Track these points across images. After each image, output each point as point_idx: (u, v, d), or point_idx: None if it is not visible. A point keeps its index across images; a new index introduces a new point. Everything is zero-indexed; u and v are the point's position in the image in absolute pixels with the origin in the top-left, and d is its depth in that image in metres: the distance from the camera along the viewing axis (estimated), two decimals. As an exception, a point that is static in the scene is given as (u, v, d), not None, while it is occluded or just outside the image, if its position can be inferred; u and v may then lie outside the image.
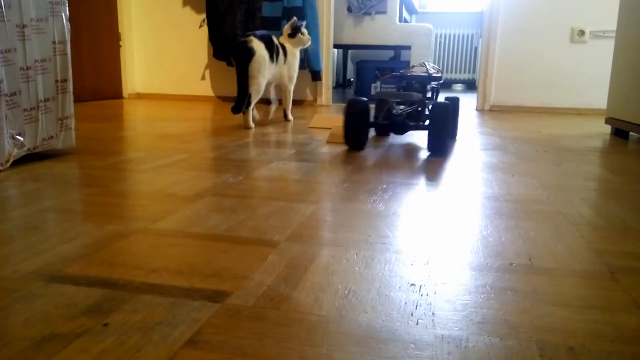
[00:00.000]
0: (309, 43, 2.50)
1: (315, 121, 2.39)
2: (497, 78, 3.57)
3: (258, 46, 2.19)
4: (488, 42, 3.54)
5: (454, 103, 1.93)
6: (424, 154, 1.66)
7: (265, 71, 2.23)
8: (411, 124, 1.73)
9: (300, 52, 2.55)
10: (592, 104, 3.46)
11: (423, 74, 1.85)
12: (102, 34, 3.65)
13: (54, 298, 0.60)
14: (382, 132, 2.02)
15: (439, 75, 1.85)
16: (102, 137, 1.90)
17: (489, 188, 1.21)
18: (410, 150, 1.73)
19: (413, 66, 1.98)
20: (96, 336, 0.51)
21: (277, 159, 1.52)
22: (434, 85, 1.95)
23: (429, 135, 1.60)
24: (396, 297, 0.62)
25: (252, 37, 2.21)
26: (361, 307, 0.59)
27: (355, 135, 1.66)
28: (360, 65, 4.26)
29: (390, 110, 1.70)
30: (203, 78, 3.91)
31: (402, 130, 1.76)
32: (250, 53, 2.17)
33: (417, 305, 0.60)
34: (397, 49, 4.19)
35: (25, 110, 1.35)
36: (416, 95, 1.69)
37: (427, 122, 1.84)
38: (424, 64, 1.90)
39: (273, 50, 2.28)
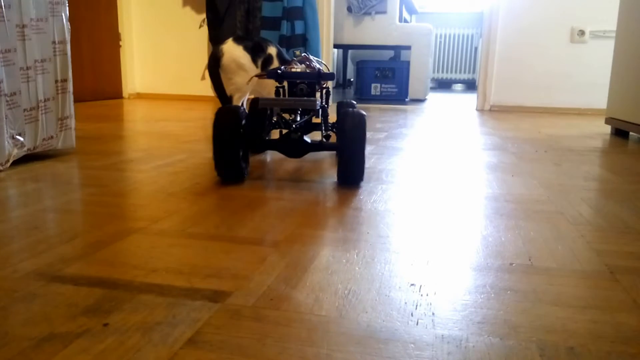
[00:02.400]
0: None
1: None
2: (497, 78, 3.57)
3: (229, 47, 2.04)
4: (488, 42, 3.54)
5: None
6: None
7: (242, 72, 2.02)
8: (311, 142, 1.22)
9: (301, 52, 2.41)
10: (592, 104, 3.46)
11: (308, 71, 1.34)
12: (102, 34, 3.65)
13: (54, 298, 0.60)
14: (258, 150, 1.43)
15: (331, 72, 1.31)
16: (102, 137, 1.90)
17: (489, 188, 1.21)
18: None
19: (292, 60, 1.47)
20: (96, 336, 0.51)
21: (277, 159, 1.52)
22: (324, 87, 1.43)
23: (341, 159, 1.14)
24: (396, 297, 0.62)
25: (228, 40, 2.05)
26: (361, 307, 0.59)
27: (229, 160, 1.16)
28: (360, 65, 4.26)
29: (277, 125, 1.29)
30: (203, 78, 3.91)
31: (299, 152, 1.21)
32: (217, 56, 2.01)
33: (417, 305, 0.60)
34: (397, 49, 4.20)
35: (25, 110, 1.35)
36: (312, 102, 1.15)
37: (332, 138, 1.34)
38: (307, 55, 1.46)
39: (257, 55, 2.06)
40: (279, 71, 1.29)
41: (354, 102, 1.59)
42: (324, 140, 1.30)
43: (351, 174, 1.16)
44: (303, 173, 1.33)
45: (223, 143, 1.15)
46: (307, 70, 1.38)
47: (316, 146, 1.22)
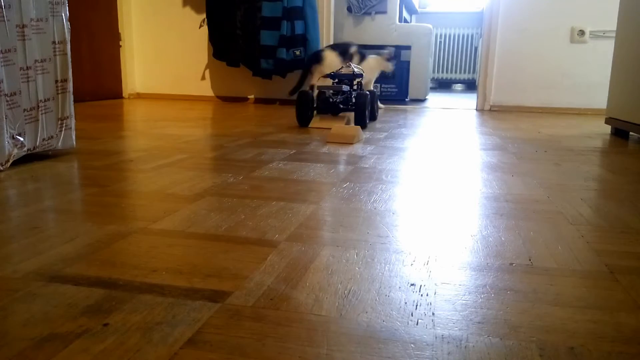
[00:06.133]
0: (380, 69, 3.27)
1: (315, 121, 2.40)
2: (497, 78, 3.57)
3: (327, 53, 3.21)
4: (488, 42, 3.54)
5: (372, 94, 2.68)
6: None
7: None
8: (342, 107, 2.41)
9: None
10: (592, 104, 3.46)
11: (349, 73, 2.49)
12: (102, 34, 3.65)
13: (54, 298, 0.60)
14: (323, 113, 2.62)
15: (361, 73, 2.55)
16: (102, 137, 1.90)
17: (489, 188, 1.21)
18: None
19: (342, 67, 2.57)
20: (96, 336, 0.51)
21: (277, 159, 1.52)
22: (359, 80, 2.59)
23: (355, 114, 2.33)
24: (396, 297, 0.62)
25: (326, 48, 3.27)
26: (361, 307, 0.59)
27: (303, 116, 2.39)
28: (360, 65, 4.25)
29: (328, 99, 2.39)
30: (203, 78, 3.91)
31: (336, 112, 2.41)
32: (319, 58, 3.21)
33: (417, 305, 0.60)
34: (397, 49, 4.19)
35: (25, 110, 1.35)
36: (341, 87, 2.38)
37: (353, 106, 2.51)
38: (350, 65, 2.53)
39: (345, 55, 3.19)
40: (332, 73, 2.49)
41: (374, 91, 2.78)
42: (350, 106, 2.42)
43: (360, 121, 2.33)
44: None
45: (301, 107, 2.36)
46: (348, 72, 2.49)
47: (344, 109, 2.40)
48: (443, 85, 6.45)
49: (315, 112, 2.42)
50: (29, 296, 0.60)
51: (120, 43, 3.84)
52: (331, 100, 2.38)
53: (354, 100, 2.41)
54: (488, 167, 1.47)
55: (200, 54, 3.87)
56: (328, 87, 2.40)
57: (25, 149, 1.36)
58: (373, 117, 2.73)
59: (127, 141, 1.83)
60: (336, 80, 2.48)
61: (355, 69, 2.50)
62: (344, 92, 2.43)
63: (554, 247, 0.81)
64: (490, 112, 3.45)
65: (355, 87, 2.55)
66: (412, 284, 0.66)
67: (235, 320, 0.55)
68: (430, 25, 4.09)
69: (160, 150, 1.63)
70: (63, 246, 0.77)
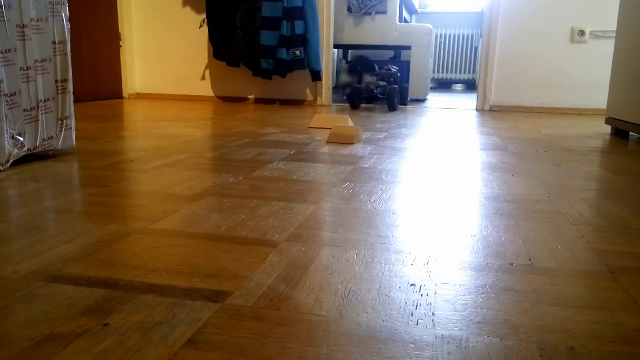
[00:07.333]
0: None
1: (315, 121, 2.40)
2: (497, 78, 3.57)
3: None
4: (488, 42, 3.54)
5: (404, 87, 3.77)
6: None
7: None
8: (380, 96, 3.59)
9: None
10: (592, 104, 3.46)
11: (389, 72, 3.53)
12: (102, 34, 3.65)
13: (54, 298, 0.60)
14: (368, 101, 3.82)
15: (395, 71, 3.55)
16: (102, 137, 1.90)
17: (489, 188, 1.21)
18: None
19: (383, 67, 3.64)
20: (96, 336, 0.51)
21: (277, 159, 1.52)
22: (395, 77, 3.55)
23: (387, 101, 3.36)
24: (396, 297, 0.62)
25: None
26: (361, 307, 0.59)
27: (354, 101, 3.44)
28: (360, 65, 4.25)
29: (372, 90, 3.58)
30: (203, 78, 3.91)
31: (376, 100, 3.72)
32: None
33: (417, 305, 0.60)
34: (397, 49, 4.19)
35: (25, 110, 1.35)
36: (377, 82, 3.56)
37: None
38: (389, 67, 3.60)
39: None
40: (377, 72, 3.55)
41: (407, 87, 3.90)
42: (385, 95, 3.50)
43: (391, 106, 3.35)
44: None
45: (352, 96, 3.43)
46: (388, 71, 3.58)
47: (381, 98, 3.64)
48: (443, 85, 6.45)
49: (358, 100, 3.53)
50: (29, 296, 0.60)
51: (120, 43, 3.84)
52: (374, 91, 3.59)
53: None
54: (488, 167, 1.47)
55: (200, 54, 3.87)
56: (370, 82, 3.61)
57: (25, 149, 1.36)
58: (403, 103, 3.74)
59: (127, 141, 1.83)
60: (378, 76, 3.64)
61: (393, 69, 3.58)
62: (382, 86, 3.59)
63: (554, 247, 0.81)
64: (490, 112, 3.45)
65: (392, 82, 3.58)
66: (412, 284, 0.66)
67: (235, 320, 0.55)
68: (430, 25, 4.09)
69: (160, 150, 1.63)
70: (63, 246, 0.77)
